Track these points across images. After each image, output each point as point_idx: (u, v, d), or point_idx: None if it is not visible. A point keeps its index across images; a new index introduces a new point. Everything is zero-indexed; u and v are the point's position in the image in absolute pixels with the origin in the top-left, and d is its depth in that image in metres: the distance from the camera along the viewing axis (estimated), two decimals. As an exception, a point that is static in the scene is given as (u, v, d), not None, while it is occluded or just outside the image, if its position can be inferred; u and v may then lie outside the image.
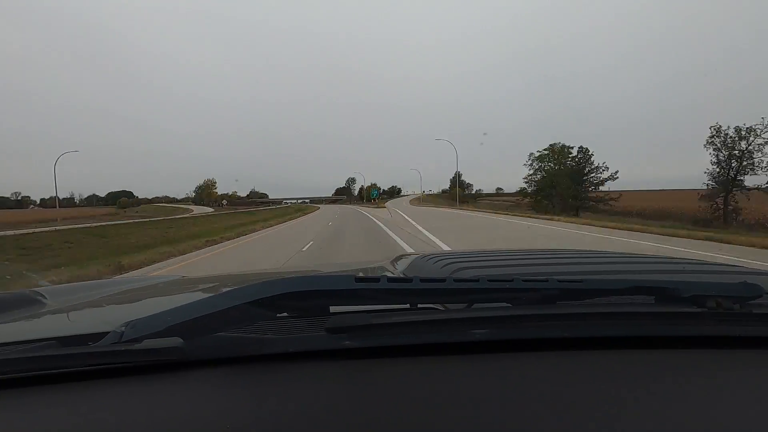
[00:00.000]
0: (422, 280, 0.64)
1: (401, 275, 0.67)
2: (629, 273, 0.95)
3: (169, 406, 0.53)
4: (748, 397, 0.51)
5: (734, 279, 0.75)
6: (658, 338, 0.65)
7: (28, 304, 1.13)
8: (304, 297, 0.62)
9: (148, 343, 0.58)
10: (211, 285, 1.46)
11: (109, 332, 0.62)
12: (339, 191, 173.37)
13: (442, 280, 0.64)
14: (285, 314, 0.67)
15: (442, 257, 1.19)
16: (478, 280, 0.66)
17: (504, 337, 0.63)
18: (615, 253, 1.37)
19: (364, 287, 0.62)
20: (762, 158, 26.90)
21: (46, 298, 1.18)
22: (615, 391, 0.52)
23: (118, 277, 2.21)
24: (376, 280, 0.63)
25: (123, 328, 0.61)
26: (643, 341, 0.64)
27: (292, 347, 0.62)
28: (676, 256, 1.21)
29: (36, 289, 1.25)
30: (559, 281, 0.66)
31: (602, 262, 1.10)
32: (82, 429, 0.49)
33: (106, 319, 1.02)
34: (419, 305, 0.69)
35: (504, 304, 0.68)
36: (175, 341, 0.57)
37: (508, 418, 0.46)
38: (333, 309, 0.66)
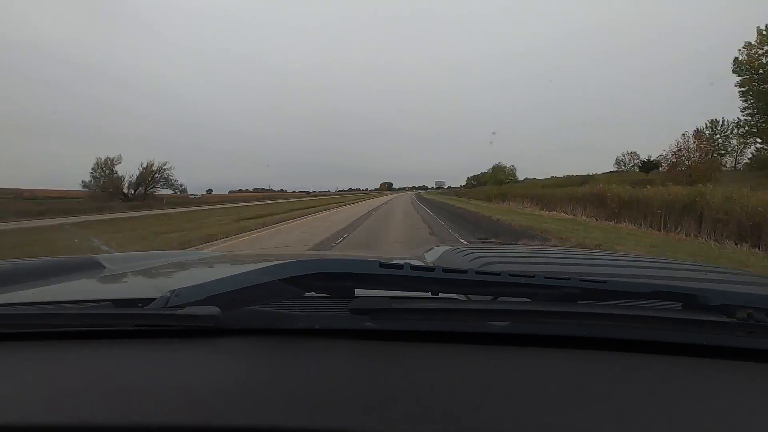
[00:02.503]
0: (444, 270, 0.64)
1: (425, 264, 0.67)
2: (655, 277, 0.91)
3: (204, 368, 0.57)
4: None
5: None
6: (682, 345, 0.62)
7: (90, 268, 1.22)
8: (331, 278, 0.64)
9: (189, 310, 0.62)
10: (250, 262, 1.52)
11: (156, 298, 0.67)
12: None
13: (464, 272, 0.64)
14: (313, 293, 0.69)
15: (472, 251, 1.18)
16: (499, 274, 0.65)
17: (522, 332, 0.63)
18: (642, 256, 1.30)
19: (388, 273, 0.63)
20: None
21: (105, 264, 1.26)
22: (632, 394, 0.50)
23: (169, 251, 2.37)
24: (400, 267, 0.63)
25: (168, 294, 0.65)
26: (667, 347, 0.61)
27: (317, 324, 0.65)
28: (707, 264, 1.13)
29: (97, 255, 1.33)
30: (581, 280, 0.64)
31: (628, 264, 1.05)
32: (127, 381, 0.54)
33: (155, 285, 1.08)
34: (440, 294, 0.69)
35: (524, 299, 0.66)
36: (213, 310, 0.61)
37: (519, 408, 0.46)
38: (358, 292, 0.67)
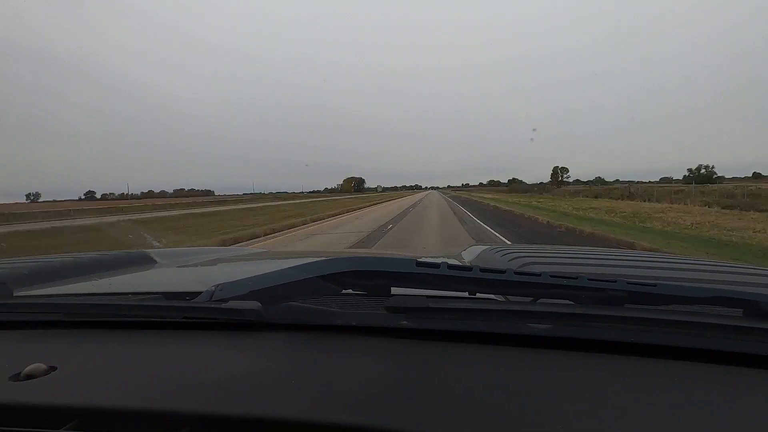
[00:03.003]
0: (482, 270, 0.62)
1: (462, 264, 0.65)
2: (712, 281, 0.84)
3: (245, 360, 0.59)
4: None
5: None
6: (743, 355, 0.56)
7: (144, 262, 1.30)
8: (367, 276, 0.64)
9: (232, 304, 0.64)
10: (289, 259, 1.56)
11: (202, 292, 0.70)
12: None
13: (502, 272, 0.62)
14: (350, 290, 0.69)
15: (511, 251, 1.14)
16: (539, 275, 0.62)
17: (564, 335, 0.60)
18: (697, 258, 1.20)
19: (424, 272, 0.62)
20: None
21: (157, 259, 1.34)
22: (684, 405, 0.47)
23: (215, 247, 2.51)
24: (436, 266, 0.62)
25: (213, 288, 0.68)
26: (726, 357, 0.56)
27: (354, 321, 0.65)
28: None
29: (150, 251, 1.42)
30: (629, 283, 0.61)
31: (680, 267, 0.98)
32: (175, 370, 0.56)
33: (201, 280, 1.13)
34: (478, 294, 0.67)
35: (566, 302, 0.63)
36: (254, 304, 0.63)
37: (558, 415, 0.44)
38: (394, 290, 0.67)
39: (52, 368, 0.55)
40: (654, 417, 0.44)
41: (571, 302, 0.64)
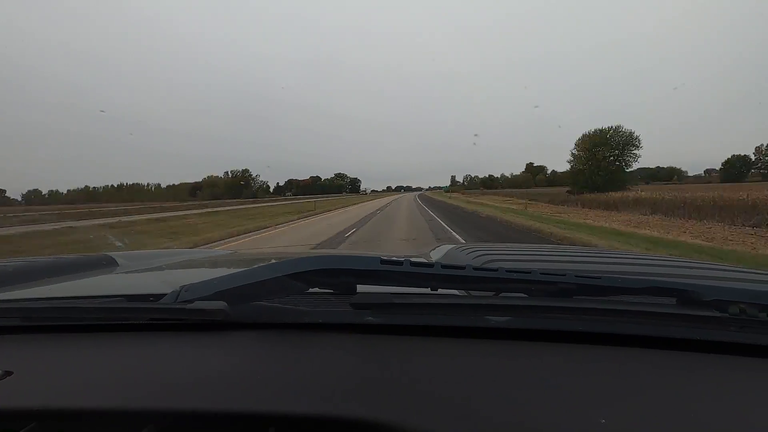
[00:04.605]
0: (443, 266, 0.64)
1: (425, 261, 0.67)
2: (650, 274, 0.90)
3: (212, 359, 0.58)
4: (765, 406, 0.48)
5: (762, 287, 0.69)
6: (676, 340, 0.61)
7: (105, 265, 1.24)
8: (333, 274, 0.64)
9: (198, 305, 0.63)
10: (256, 259, 1.54)
11: (167, 293, 0.68)
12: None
13: (462, 268, 0.64)
14: (316, 289, 0.70)
15: (475, 249, 1.18)
16: (496, 270, 0.65)
17: (519, 326, 0.63)
18: (637, 254, 1.29)
19: (388, 269, 0.63)
20: None
21: (119, 262, 1.28)
22: (626, 387, 0.50)
23: (179, 249, 2.42)
24: (400, 263, 0.64)
25: (179, 290, 0.67)
26: (661, 342, 0.61)
27: (321, 318, 0.66)
28: (701, 260, 1.12)
29: (112, 253, 1.35)
30: (577, 276, 0.64)
31: (622, 262, 1.05)
32: (139, 370, 0.55)
33: (166, 282, 1.09)
34: (440, 290, 0.69)
35: (522, 295, 0.67)
36: (221, 304, 0.63)
37: (516, 400, 0.46)
38: (360, 288, 0.68)
39: (8, 373, 0.53)
40: (601, 399, 0.47)
41: (526, 295, 0.67)
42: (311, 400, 0.46)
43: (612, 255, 1.20)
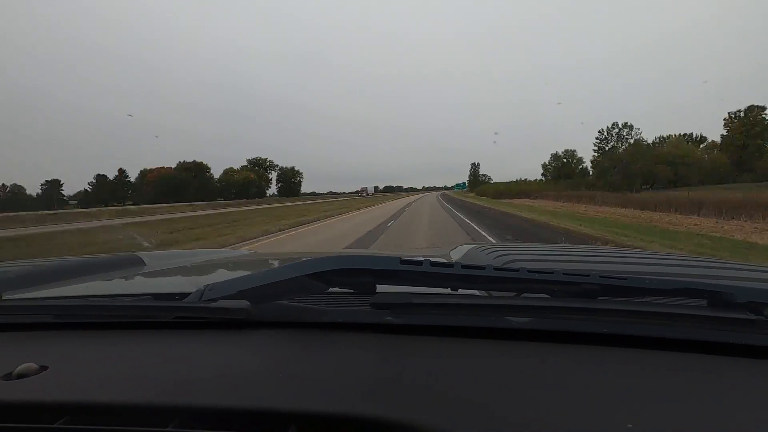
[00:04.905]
0: (463, 267, 0.63)
1: (445, 261, 0.66)
2: (679, 274, 0.87)
3: (234, 356, 0.59)
4: None
5: None
6: (707, 343, 0.59)
7: (133, 265, 1.29)
8: (352, 274, 0.65)
9: (221, 303, 0.65)
10: (277, 259, 1.57)
11: (192, 292, 0.70)
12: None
13: (482, 268, 0.64)
14: (336, 289, 0.70)
15: (496, 249, 1.16)
16: (518, 270, 0.64)
17: (542, 327, 0.62)
18: (661, 253, 1.24)
19: (408, 269, 0.63)
20: None
21: (146, 261, 1.32)
22: (653, 391, 0.49)
23: (203, 249, 2.50)
24: (419, 263, 0.63)
25: (203, 289, 0.68)
26: (691, 345, 0.59)
27: (340, 318, 0.66)
28: (732, 260, 1.07)
29: (139, 253, 1.40)
30: (601, 277, 0.63)
31: (649, 262, 1.01)
32: (165, 367, 0.57)
33: (191, 281, 1.12)
34: (460, 290, 0.68)
35: (543, 296, 0.65)
36: (243, 303, 0.64)
37: (536, 403, 0.46)
38: (379, 288, 0.68)
39: (44, 368, 0.55)
40: (628, 403, 0.46)
41: (548, 296, 0.66)
42: (331, 399, 0.46)
43: (636, 255, 1.17)
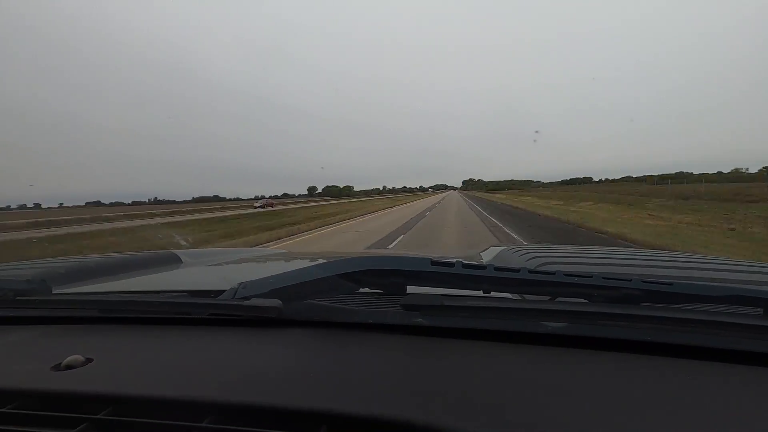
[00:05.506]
0: (496, 269, 0.61)
1: (476, 263, 0.65)
2: (730, 280, 0.81)
3: (266, 354, 0.60)
4: None
5: None
6: (762, 355, 0.54)
7: (171, 262, 1.34)
8: (383, 275, 0.64)
9: (254, 301, 0.66)
10: (309, 258, 1.59)
11: (226, 290, 0.71)
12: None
13: (516, 270, 0.61)
14: (367, 289, 0.70)
15: (528, 251, 1.13)
16: (554, 273, 0.61)
17: (579, 333, 0.59)
18: (709, 257, 1.16)
19: (439, 271, 0.62)
20: None
21: (183, 259, 1.37)
22: (702, 404, 0.45)
23: (237, 248, 2.61)
24: (451, 265, 0.62)
25: (237, 287, 0.70)
26: (744, 357, 0.54)
27: (371, 318, 0.66)
28: None
29: (177, 251, 1.46)
30: (644, 282, 0.59)
31: (697, 267, 0.95)
32: (200, 362, 0.58)
33: (225, 278, 1.16)
34: (493, 293, 0.66)
35: (581, 300, 0.62)
36: (275, 302, 0.65)
37: (571, 411, 0.44)
38: (410, 289, 0.67)
39: (89, 360, 0.57)
40: (670, 415, 0.43)
41: (586, 301, 0.62)
42: (362, 401, 0.46)
43: (681, 258, 1.10)
